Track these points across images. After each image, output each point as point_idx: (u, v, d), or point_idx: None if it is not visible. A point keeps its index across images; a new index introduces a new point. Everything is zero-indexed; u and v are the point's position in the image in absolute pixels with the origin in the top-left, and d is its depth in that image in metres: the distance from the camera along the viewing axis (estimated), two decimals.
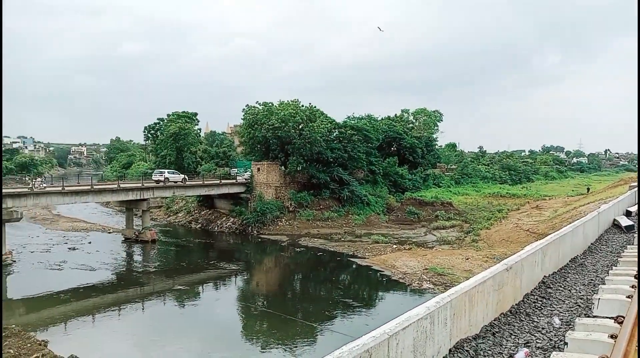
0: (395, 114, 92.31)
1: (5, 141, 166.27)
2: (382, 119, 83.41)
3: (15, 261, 36.80)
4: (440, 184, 78.91)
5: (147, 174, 66.83)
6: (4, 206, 36.29)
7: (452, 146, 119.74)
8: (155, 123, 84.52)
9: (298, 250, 44.22)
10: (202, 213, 58.88)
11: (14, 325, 21.37)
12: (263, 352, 21.82)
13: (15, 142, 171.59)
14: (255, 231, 51.08)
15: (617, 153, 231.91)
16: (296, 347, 22.25)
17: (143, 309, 28.21)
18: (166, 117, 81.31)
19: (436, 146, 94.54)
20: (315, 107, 59.86)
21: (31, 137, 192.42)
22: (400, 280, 33.07)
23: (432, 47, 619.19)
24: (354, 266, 38.08)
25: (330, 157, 57.59)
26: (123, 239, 47.61)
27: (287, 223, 53.29)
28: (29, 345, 19.04)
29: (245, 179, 56.55)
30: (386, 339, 4.72)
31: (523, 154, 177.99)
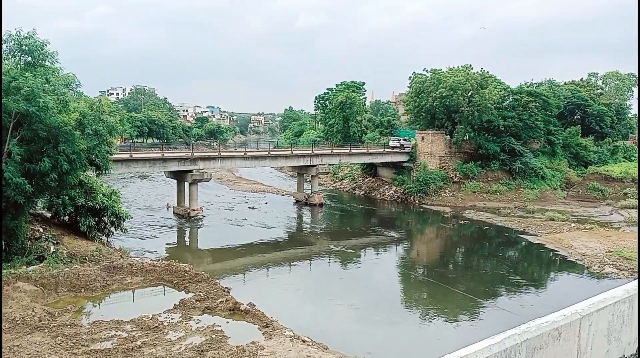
0: (581, 79, 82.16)
1: (197, 109, 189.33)
2: (565, 84, 75.14)
3: (204, 216, 42.16)
4: (632, 159, 68.89)
5: (316, 142, 70.51)
6: (196, 167, 41.56)
7: None
8: (325, 93, 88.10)
9: (462, 222, 42.87)
10: (366, 180, 60.31)
11: (203, 272, 24.60)
12: (422, 319, 21.88)
13: (205, 111, 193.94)
14: (417, 201, 50.76)
15: None
16: (457, 319, 21.85)
17: (310, 267, 30.26)
18: (335, 87, 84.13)
19: (629, 115, 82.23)
20: (487, 72, 56.20)
21: (218, 107, 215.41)
22: (578, 262, 30.11)
23: None
24: (523, 243, 35.68)
25: (501, 126, 53.96)
26: (294, 201, 51.29)
27: (451, 194, 51.82)
28: (215, 290, 21.77)
29: (411, 148, 56.18)
30: (578, 319, 4.34)
31: None
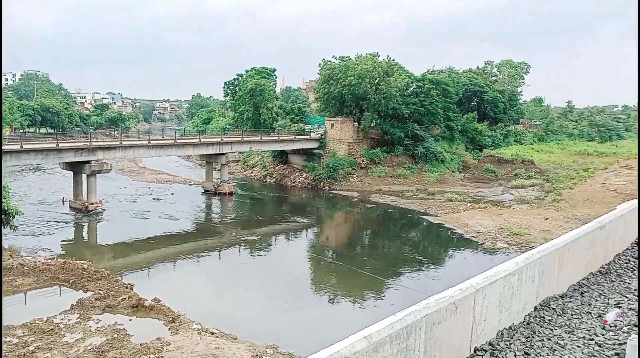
0: (478, 67, 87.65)
1: (95, 96, 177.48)
2: (463, 71, 79.65)
3: (104, 210, 39.66)
4: (522, 142, 75.09)
5: (225, 129, 68.86)
6: (95, 158, 38.87)
7: (538, 101, 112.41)
8: (234, 79, 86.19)
9: (369, 206, 44.19)
10: (277, 168, 60.12)
11: (103, 269, 23.15)
12: (331, 302, 22.26)
13: (105, 97, 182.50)
14: (326, 187, 51.54)
15: None
16: (364, 299, 22.51)
17: (219, 257, 29.61)
18: (245, 73, 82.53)
19: (520, 101, 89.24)
20: (393, 61, 57.97)
21: (119, 93, 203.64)
22: (473, 239, 32.24)
23: None
24: (424, 223, 37.55)
25: (405, 112, 56.13)
26: (203, 191, 49.84)
27: (359, 179, 53.21)
28: (116, 287, 20.59)
29: (321, 134, 56.71)
30: (472, 293, 4.48)
31: (615, 109, 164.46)
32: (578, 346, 5.15)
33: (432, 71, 66.85)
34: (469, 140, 65.84)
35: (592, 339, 5.29)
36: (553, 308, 5.88)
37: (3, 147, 27.42)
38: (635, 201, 9.59)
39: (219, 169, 50.47)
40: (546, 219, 35.98)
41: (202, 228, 36.64)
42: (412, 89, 59.06)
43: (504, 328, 5.13)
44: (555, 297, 6.17)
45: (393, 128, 56.03)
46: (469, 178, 56.26)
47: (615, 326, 5.61)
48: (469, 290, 4.52)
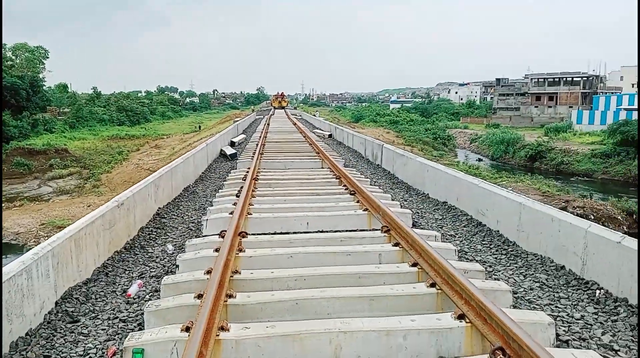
0: None
1: None
2: None
3: None
4: (53, 130, 71.16)
5: None
6: None
7: (64, 87, 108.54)
8: None
9: None
10: None
11: None
12: None
13: None
14: None
15: (224, 93, 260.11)
16: None
17: None
18: None
19: (44, 87, 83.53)
20: None
21: None
22: (13, 242, 28.67)
23: None
24: None
25: None
26: None
27: None
28: None
29: None
30: None
31: (140, 95, 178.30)
32: (103, 329, 5.13)
33: None
34: None
35: (117, 317, 5.37)
36: (76, 298, 5.70)
37: None
38: (150, 176, 10.34)
39: None
40: (89, 206, 35.68)
41: None
42: None
43: (19, 337, 4.56)
44: (79, 285, 6.00)
45: None
46: None
47: (139, 297, 5.88)
48: None
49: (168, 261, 7.31)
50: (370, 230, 8.26)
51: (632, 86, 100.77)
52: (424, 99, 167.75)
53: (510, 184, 31.72)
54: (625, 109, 68.77)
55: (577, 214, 29.64)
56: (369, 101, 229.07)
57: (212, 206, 10.10)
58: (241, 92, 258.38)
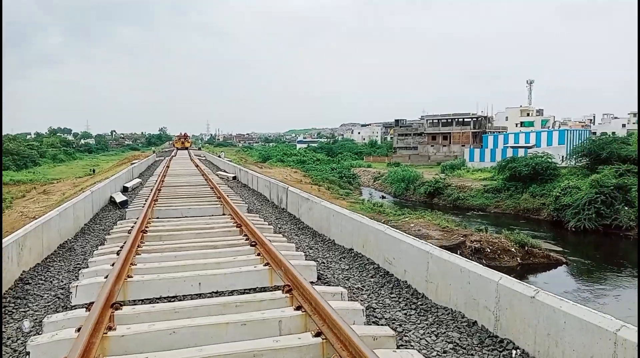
0: None
1: None
2: None
3: None
4: None
5: None
6: None
7: None
8: None
9: None
10: None
11: None
12: None
13: None
14: None
15: (123, 134, 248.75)
16: None
17: None
18: None
19: None
20: None
21: None
22: None
23: None
24: None
25: None
26: None
27: None
28: None
29: None
30: None
31: (29, 137, 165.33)
32: None
33: None
34: None
35: None
36: None
37: None
38: (13, 234, 8.88)
39: None
40: None
41: None
42: None
43: None
44: None
45: None
46: None
47: None
48: None
49: (22, 343, 5.93)
50: (271, 289, 7.43)
51: (516, 126, 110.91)
52: (329, 139, 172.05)
53: (413, 221, 32.56)
54: (511, 146, 74.93)
55: (474, 249, 30.87)
56: (276, 140, 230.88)
57: (87, 267, 8.70)
58: (142, 132, 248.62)
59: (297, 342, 5.03)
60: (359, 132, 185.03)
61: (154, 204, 15.56)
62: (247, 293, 7.29)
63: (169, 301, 7.11)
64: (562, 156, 61.49)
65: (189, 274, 7.81)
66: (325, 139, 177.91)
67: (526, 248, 30.63)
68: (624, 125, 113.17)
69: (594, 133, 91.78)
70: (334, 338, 4.81)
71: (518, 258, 30.87)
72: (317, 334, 5.10)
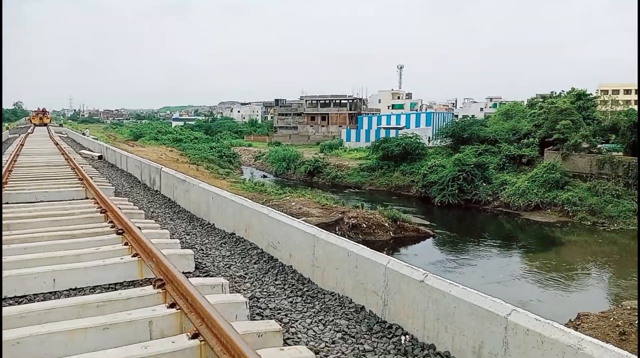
0: None
1: None
2: None
3: None
4: None
5: None
6: None
7: None
8: None
9: None
10: None
11: None
12: None
13: None
14: None
15: None
16: None
17: None
18: None
19: None
20: None
21: None
22: None
23: None
24: None
25: None
26: None
27: None
28: None
29: None
30: None
31: None
32: None
33: None
34: None
35: None
36: None
37: None
38: None
39: None
40: None
41: None
42: None
43: None
44: None
45: None
46: None
47: None
48: None
49: None
50: (141, 283, 6.60)
51: (388, 108, 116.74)
52: (207, 117, 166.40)
53: (294, 199, 32.65)
54: (384, 127, 78.67)
55: (352, 224, 31.79)
56: (150, 117, 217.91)
57: None
58: None
59: (171, 347, 4.38)
60: (238, 111, 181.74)
61: (4, 187, 13.45)
62: (112, 289, 6.39)
63: (17, 303, 5.99)
64: (429, 137, 66.03)
65: (41, 269, 6.64)
66: (204, 117, 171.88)
67: (398, 222, 32.46)
68: (481, 109, 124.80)
69: (457, 116, 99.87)
70: (214, 339, 4.26)
71: (391, 233, 32.58)
72: (194, 336, 4.49)
